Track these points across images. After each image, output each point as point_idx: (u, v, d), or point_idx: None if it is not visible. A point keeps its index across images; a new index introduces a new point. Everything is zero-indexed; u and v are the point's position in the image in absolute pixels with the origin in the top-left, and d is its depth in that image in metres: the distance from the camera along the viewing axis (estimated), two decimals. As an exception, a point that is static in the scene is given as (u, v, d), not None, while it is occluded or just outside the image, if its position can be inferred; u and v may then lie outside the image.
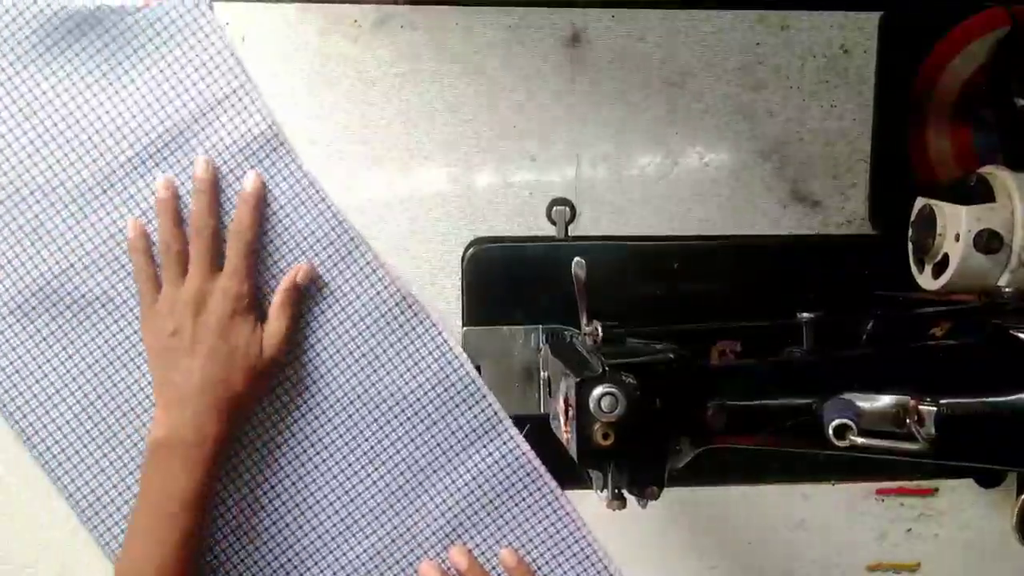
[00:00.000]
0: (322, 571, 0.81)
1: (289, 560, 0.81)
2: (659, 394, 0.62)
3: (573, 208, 0.82)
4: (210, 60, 0.77)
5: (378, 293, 0.80)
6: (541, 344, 0.81)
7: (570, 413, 0.62)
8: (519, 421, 0.81)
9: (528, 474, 0.81)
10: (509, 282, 0.81)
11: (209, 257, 0.75)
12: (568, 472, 0.76)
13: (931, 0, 0.83)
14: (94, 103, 0.77)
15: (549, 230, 0.82)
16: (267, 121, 0.78)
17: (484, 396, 0.81)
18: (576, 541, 0.82)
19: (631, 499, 0.63)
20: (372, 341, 0.80)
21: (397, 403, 0.81)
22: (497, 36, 0.80)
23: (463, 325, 0.82)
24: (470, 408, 0.81)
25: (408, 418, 0.81)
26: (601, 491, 0.63)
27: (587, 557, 0.82)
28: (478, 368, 0.81)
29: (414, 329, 0.80)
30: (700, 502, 0.86)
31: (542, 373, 0.80)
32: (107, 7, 0.75)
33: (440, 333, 0.80)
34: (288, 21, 0.78)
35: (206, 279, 0.74)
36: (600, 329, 0.64)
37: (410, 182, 0.81)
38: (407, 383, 0.81)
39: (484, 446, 0.81)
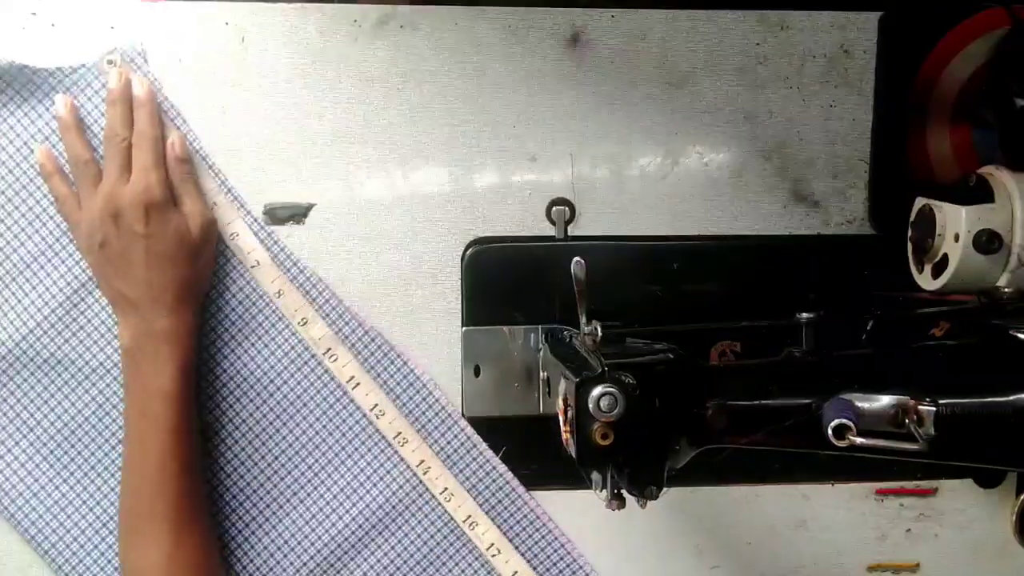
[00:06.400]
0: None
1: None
2: (658, 394, 0.62)
3: (573, 208, 0.82)
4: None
5: (339, 330, 0.80)
6: (540, 344, 0.81)
7: (569, 413, 0.62)
8: (516, 423, 0.81)
9: (508, 495, 0.82)
10: (509, 282, 0.81)
11: (119, 163, 0.73)
12: (567, 472, 0.76)
13: (931, 0, 0.83)
14: (39, 168, 0.76)
15: (549, 230, 0.82)
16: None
17: (456, 422, 0.81)
18: (561, 558, 0.82)
19: (630, 499, 0.63)
20: (333, 383, 0.80)
21: (370, 435, 0.81)
22: (497, 36, 0.80)
23: (463, 325, 0.82)
24: (443, 434, 0.81)
25: (382, 449, 0.81)
26: (600, 491, 0.63)
27: (573, 574, 0.83)
28: (477, 368, 0.81)
29: (379, 362, 0.80)
30: (700, 502, 0.86)
31: (541, 373, 0.80)
32: (44, 70, 0.75)
33: (406, 363, 0.80)
34: (288, 21, 0.78)
35: (116, 184, 0.72)
36: (599, 329, 0.64)
37: (410, 182, 0.81)
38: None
39: (461, 471, 0.81)
